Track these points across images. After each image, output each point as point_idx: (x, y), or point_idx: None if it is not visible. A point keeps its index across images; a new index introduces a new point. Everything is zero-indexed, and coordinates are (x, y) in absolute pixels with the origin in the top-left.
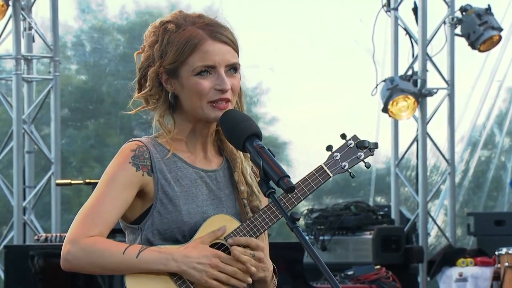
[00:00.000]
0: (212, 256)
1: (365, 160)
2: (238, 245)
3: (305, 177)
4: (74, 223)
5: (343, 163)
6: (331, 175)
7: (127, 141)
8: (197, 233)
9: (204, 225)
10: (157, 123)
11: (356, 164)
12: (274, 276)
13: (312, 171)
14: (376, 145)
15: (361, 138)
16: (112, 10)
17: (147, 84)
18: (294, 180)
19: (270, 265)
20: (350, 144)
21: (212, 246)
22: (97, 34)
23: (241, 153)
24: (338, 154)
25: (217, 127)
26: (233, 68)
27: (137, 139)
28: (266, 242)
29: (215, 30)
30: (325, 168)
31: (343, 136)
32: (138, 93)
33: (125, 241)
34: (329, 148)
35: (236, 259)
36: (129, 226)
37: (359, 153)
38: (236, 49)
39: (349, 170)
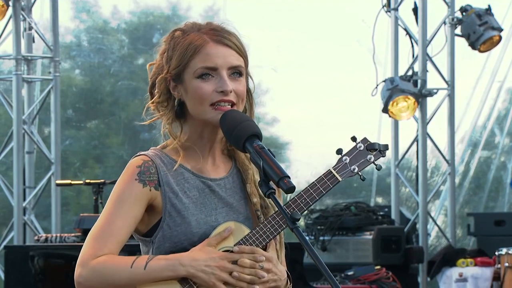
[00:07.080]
0: (220, 258)
1: (376, 162)
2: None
3: (314, 181)
4: (84, 245)
5: (353, 167)
6: (340, 179)
7: (133, 156)
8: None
9: (214, 233)
10: (165, 129)
11: (366, 166)
12: (289, 282)
13: (321, 176)
14: (386, 147)
15: (371, 141)
16: (114, 11)
17: (156, 91)
18: (295, 180)
19: (283, 273)
20: (359, 147)
21: None
22: (101, 34)
23: (253, 164)
24: (347, 157)
25: None
26: (237, 72)
27: (143, 153)
28: (282, 247)
29: (219, 34)
30: (334, 172)
31: (353, 138)
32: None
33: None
34: (339, 151)
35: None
36: (142, 238)
37: (369, 156)
38: (241, 53)
39: (359, 173)
